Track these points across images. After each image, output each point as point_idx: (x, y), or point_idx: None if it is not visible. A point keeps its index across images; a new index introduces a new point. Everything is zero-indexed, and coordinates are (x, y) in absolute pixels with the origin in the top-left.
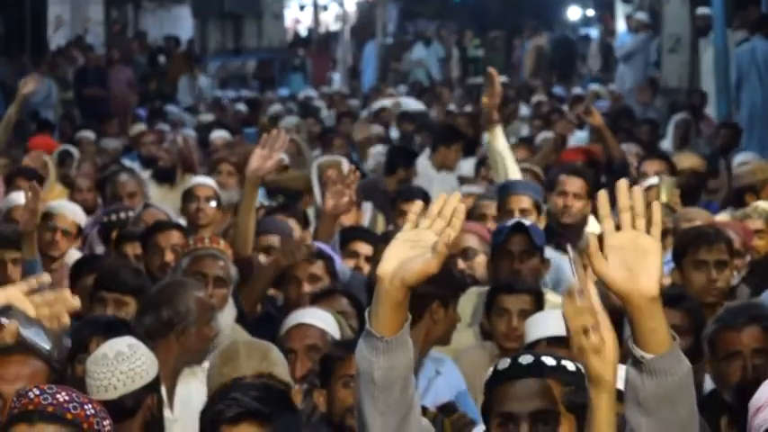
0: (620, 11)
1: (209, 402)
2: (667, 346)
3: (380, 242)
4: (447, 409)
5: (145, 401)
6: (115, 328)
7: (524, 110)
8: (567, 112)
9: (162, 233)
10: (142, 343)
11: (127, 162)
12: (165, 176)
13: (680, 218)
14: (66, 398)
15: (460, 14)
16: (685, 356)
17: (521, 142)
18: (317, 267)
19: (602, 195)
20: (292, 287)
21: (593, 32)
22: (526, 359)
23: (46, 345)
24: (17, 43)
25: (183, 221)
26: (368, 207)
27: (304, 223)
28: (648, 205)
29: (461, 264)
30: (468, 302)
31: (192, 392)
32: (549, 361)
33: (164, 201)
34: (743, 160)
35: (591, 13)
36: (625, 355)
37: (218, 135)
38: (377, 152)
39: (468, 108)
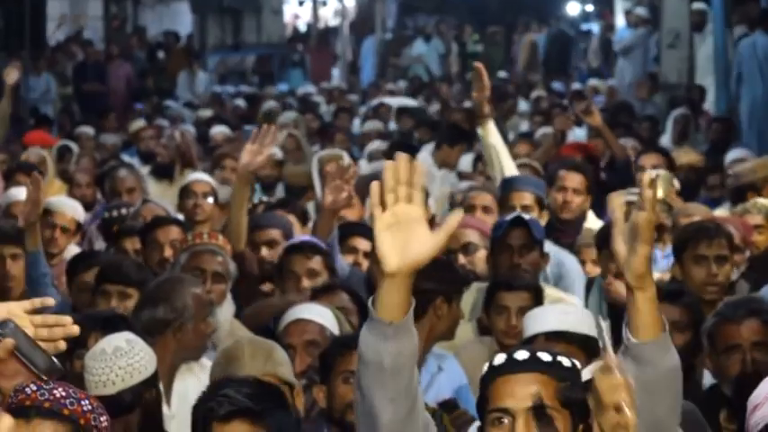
0: (620, 6)
1: (201, 398)
2: (654, 336)
3: None
4: (448, 406)
5: (143, 397)
6: (113, 324)
7: (523, 105)
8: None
9: (161, 229)
10: (140, 338)
11: (126, 158)
12: (163, 172)
13: (679, 213)
14: (63, 394)
15: (460, 9)
16: (680, 353)
17: (522, 137)
18: (316, 262)
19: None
20: (291, 282)
21: (595, 28)
22: (522, 354)
23: (42, 363)
24: (16, 38)
25: (181, 217)
26: (367, 203)
27: (303, 219)
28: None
29: (462, 259)
30: (468, 297)
31: (189, 388)
32: (544, 356)
33: (163, 197)
34: (736, 157)
35: (590, 8)
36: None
37: (218, 130)
38: (374, 148)
39: (467, 104)
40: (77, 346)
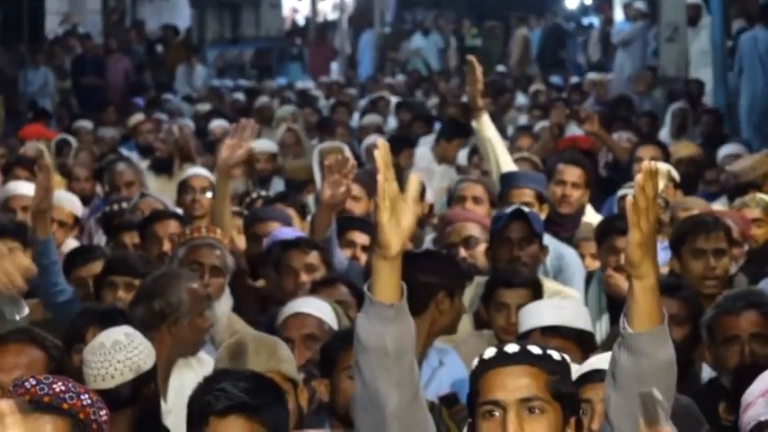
0: (618, 0)
1: (197, 390)
2: (650, 327)
3: None
4: (448, 400)
5: (142, 391)
6: (112, 318)
7: (522, 99)
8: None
9: (160, 223)
10: (139, 332)
11: (124, 151)
12: (162, 167)
13: (676, 207)
14: (63, 388)
15: (458, 4)
16: (678, 347)
17: (522, 131)
18: (313, 257)
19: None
20: (289, 277)
21: (595, 21)
22: (512, 348)
23: (17, 315)
24: (14, 32)
25: (180, 212)
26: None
27: (302, 213)
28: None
29: (463, 252)
30: (469, 291)
31: (185, 383)
32: (534, 350)
33: (163, 191)
34: (730, 152)
35: (589, 1)
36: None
37: (217, 124)
38: (372, 142)
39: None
40: (76, 341)
